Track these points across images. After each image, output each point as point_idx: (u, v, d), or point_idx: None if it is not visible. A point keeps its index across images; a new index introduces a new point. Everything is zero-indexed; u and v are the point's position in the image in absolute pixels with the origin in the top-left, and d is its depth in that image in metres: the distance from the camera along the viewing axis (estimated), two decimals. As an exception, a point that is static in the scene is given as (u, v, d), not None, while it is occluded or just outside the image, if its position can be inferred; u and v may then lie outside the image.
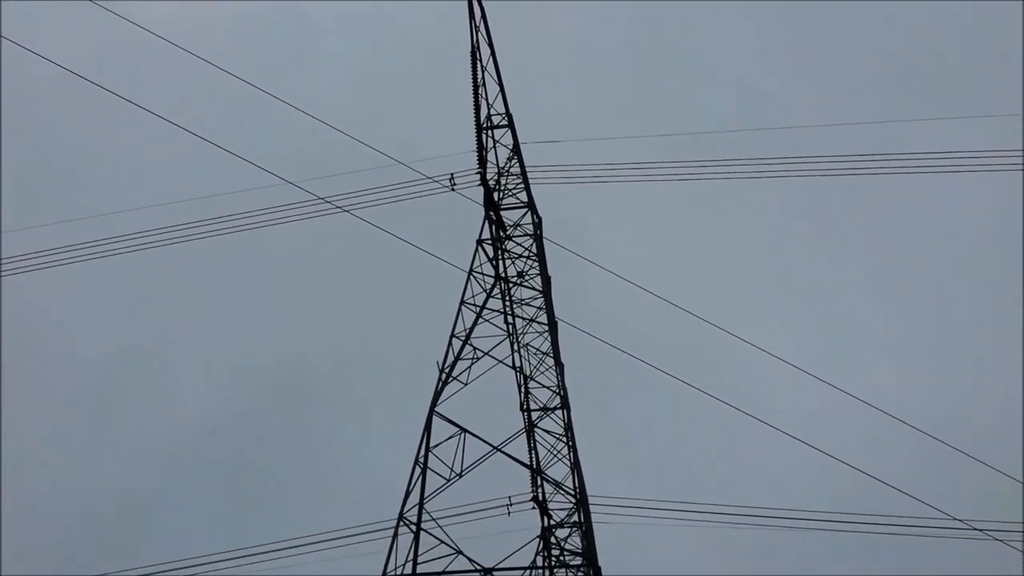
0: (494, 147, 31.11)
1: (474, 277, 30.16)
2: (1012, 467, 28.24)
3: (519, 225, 31.54)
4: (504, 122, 31.19)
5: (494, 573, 24.16)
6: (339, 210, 30.55)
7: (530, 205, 31.66)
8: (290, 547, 27.55)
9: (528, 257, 31.32)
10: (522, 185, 31.66)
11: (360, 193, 30.67)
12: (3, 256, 31.50)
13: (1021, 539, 26.69)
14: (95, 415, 52.82)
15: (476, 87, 30.29)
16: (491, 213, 31.15)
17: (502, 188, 31.46)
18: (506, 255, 31.36)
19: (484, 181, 30.77)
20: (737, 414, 28.94)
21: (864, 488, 28.33)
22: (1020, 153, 29.42)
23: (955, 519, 26.77)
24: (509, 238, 31.60)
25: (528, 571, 24.76)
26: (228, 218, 31.16)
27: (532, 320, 30.88)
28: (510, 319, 31.21)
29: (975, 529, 26.86)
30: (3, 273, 31.20)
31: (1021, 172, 29.48)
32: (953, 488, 29.10)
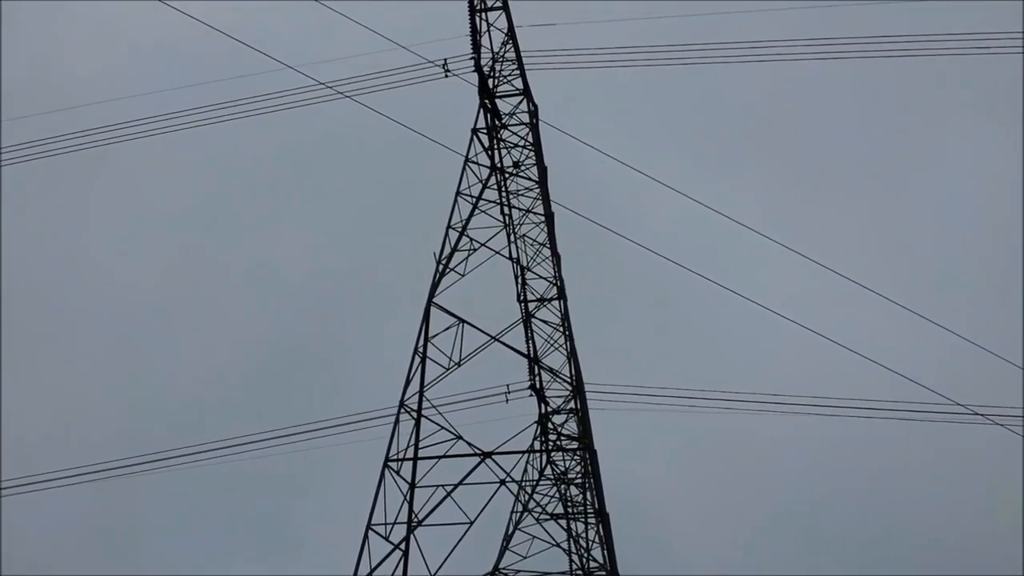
0: (488, 31, 30.09)
1: (470, 167, 29.71)
2: (1012, 353, 28.26)
3: (515, 114, 30.85)
4: (499, 3, 30.05)
5: (493, 456, 24.79)
6: (341, 96, 29.67)
7: (526, 92, 30.89)
8: (300, 432, 28.27)
9: (524, 147, 30.76)
10: (518, 71, 30.79)
11: (353, 79, 29.83)
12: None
13: (1021, 424, 26.85)
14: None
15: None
16: (486, 101, 30.42)
17: (497, 75, 30.62)
18: (502, 145, 30.81)
19: (478, 67, 29.92)
20: (731, 302, 29.06)
21: (866, 376, 28.47)
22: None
23: (957, 403, 26.91)
24: (505, 127, 30.98)
25: (526, 454, 25.41)
26: (227, 104, 30.32)
27: (529, 211, 30.63)
28: (507, 210, 30.96)
29: (977, 414, 26.98)
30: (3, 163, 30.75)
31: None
32: (955, 375, 29.23)
